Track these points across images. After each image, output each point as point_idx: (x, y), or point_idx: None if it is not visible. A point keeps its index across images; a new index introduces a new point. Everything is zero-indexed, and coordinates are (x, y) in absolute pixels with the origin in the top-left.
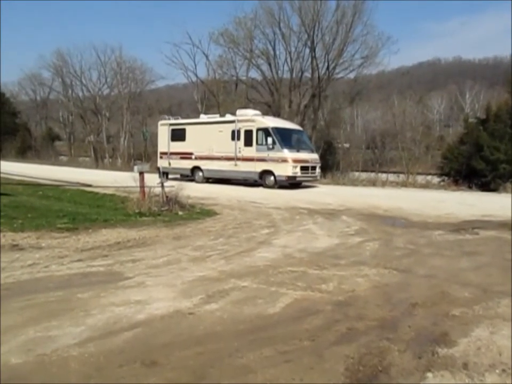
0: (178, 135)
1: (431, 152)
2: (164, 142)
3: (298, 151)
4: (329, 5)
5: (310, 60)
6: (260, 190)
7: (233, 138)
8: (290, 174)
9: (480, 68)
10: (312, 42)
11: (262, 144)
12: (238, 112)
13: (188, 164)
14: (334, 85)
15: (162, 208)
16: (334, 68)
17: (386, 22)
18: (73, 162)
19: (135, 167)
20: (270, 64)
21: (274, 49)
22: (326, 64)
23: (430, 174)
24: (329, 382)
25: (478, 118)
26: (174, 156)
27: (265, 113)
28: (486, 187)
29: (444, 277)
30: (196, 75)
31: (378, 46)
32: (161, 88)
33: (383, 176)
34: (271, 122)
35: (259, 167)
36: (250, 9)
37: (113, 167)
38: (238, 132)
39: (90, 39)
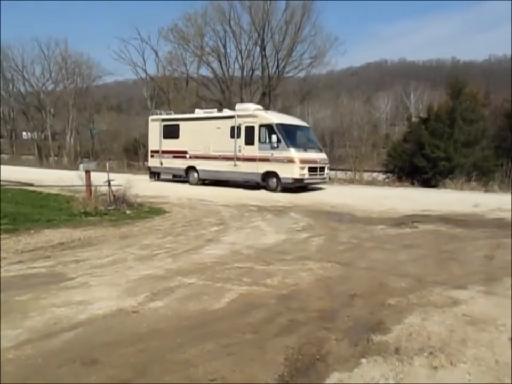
0: (171, 131)
1: (377, 150)
2: (155, 139)
3: (305, 150)
4: (279, 4)
5: (260, 58)
6: (208, 188)
7: (232, 136)
8: (297, 176)
9: (424, 69)
10: (262, 41)
11: (265, 143)
12: (237, 106)
13: (181, 164)
14: (284, 84)
15: (109, 207)
16: (284, 67)
17: (336, 23)
18: (15, 160)
19: (81, 166)
20: (220, 62)
21: (224, 47)
22: (276, 63)
23: (376, 171)
24: (269, 372)
25: (420, 117)
26: (166, 155)
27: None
28: (427, 183)
29: (383, 269)
30: (145, 71)
31: (326, 47)
32: (110, 84)
33: (332, 173)
34: (276, 118)
35: (262, 167)
36: (201, 6)
37: (58, 165)
38: (238, 128)
39: (33, 32)
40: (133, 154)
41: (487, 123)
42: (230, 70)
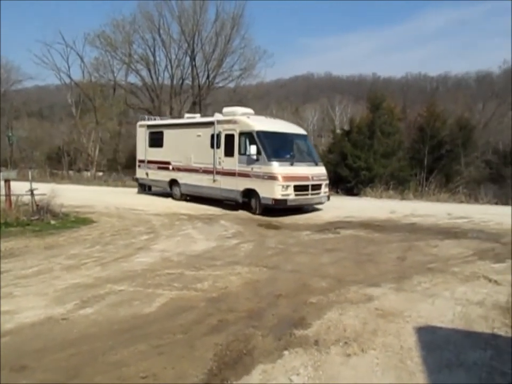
0: (156, 139)
1: None
2: (141, 147)
3: (292, 164)
4: (209, 16)
5: (190, 68)
6: (138, 197)
7: (212, 145)
8: (278, 196)
9: (347, 84)
10: (192, 51)
11: (245, 154)
12: (224, 110)
13: (165, 176)
14: (215, 94)
15: (32, 218)
16: (214, 77)
17: (265, 36)
18: None
19: (0, 174)
20: (149, 70)
21: (154, 55)
22: (207, 73)
23: None
24: (199, 367)
25: (343, 129)
26: (151, 165)
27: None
28: (350, 192)
29: (307, 271)
30: (70, 77)
31: (255, 59)
32: (30, 88)
33: None
34: (258, 124)
35: (241, 184)
36: (129, 13)
37: None
38: (218, 136)
39: None
40: (56, 162)
41: (402, 136)
42: (160, 78)
